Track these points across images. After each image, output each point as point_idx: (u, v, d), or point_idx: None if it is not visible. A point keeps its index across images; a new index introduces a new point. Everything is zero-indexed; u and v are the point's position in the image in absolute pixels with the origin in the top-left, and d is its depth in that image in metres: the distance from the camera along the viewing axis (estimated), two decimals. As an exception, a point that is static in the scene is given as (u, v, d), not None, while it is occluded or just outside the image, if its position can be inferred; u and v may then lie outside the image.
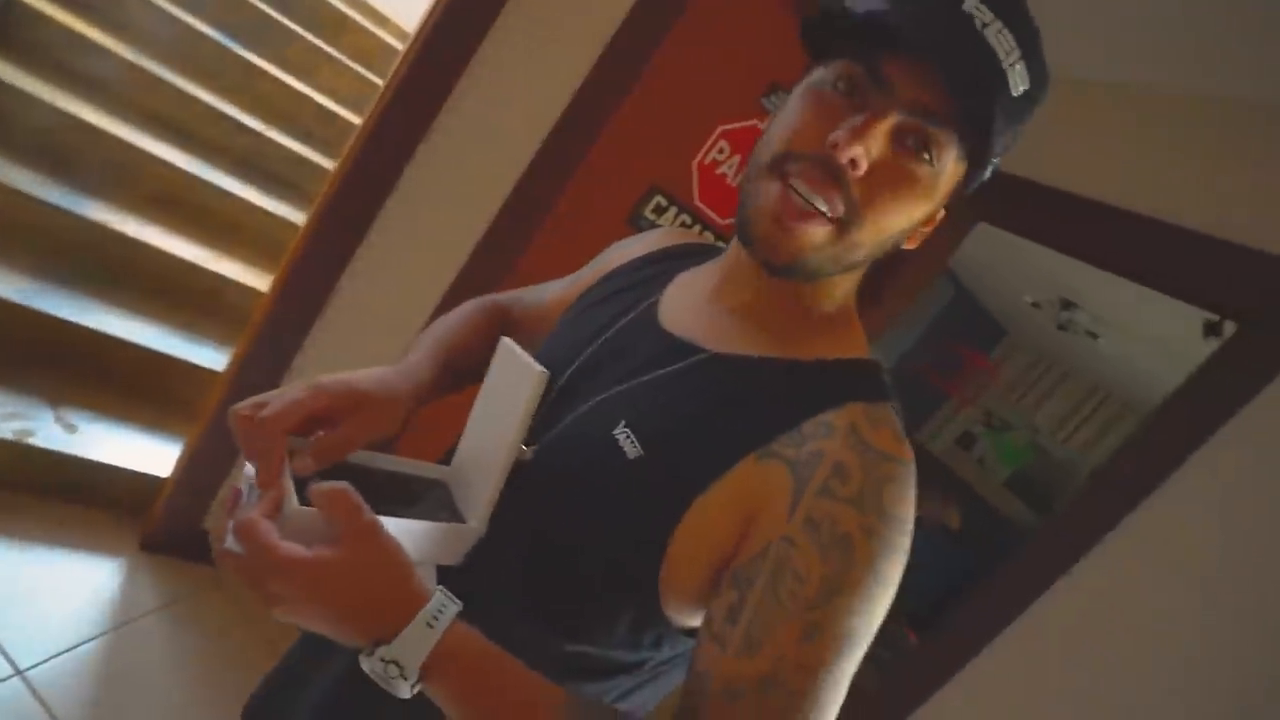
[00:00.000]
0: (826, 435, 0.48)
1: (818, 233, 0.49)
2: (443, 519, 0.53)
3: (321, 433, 0.52)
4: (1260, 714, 1.02)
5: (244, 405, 0.51)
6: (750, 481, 0.48)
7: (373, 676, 0.41)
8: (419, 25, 1.40)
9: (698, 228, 1.69)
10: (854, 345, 0.57)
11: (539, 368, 0.52)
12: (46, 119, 1.76)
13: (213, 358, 1.84)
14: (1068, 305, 3.42)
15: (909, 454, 0.50)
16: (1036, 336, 4.70)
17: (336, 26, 2.74)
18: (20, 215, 1.67)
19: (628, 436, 0.52)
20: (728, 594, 0.46)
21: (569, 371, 0.60)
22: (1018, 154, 0.56)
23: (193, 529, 1.61)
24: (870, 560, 0.45)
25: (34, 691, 1.23)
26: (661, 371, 0.56)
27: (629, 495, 0.51)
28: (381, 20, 3.04)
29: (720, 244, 0.73)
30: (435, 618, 0.42)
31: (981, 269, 4.00)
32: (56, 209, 1.69)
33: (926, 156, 0.49)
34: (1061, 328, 3.61)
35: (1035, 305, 3.82)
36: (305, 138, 2.46)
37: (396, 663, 0.41)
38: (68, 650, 1.32)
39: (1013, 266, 3.48)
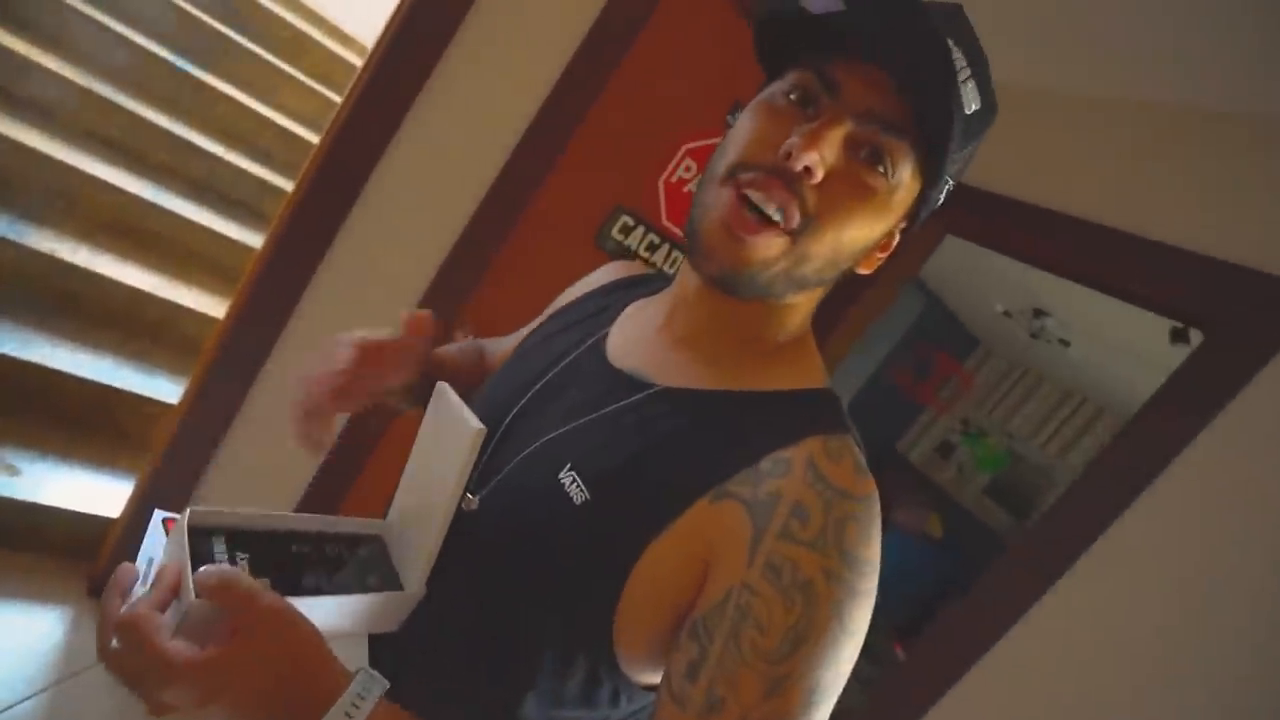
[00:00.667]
0: (784, 473, 0.46)
1: (771, 244, 0.47)
2: (373, 585, 0.48)
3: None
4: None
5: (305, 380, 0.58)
6: (706, 524, 0.45)
7: None
8: (376, 40, 1.37)
9: (666, 246, 1.67)
10: (810, 375, 0.55)
11: (476, 424, 0.49)
12: (-15, 145, 1.69)
13: (166, 389, 1.77)
14: (1039, 314, 3.46)
15: (870, 488, 0.47)
16: (1009, 345, 4.76)
17: (297, 46, 2.69)
18: (-43, 246, 1.59)
19: (574, 480, 0.49)
20: (687, 647, 0.43)
21: (512, 413, 0.57)
22: (982, 166, 0.54)
23: (144, 571, 1.53)
24: (835, 607, 0.42)
25: (-34, 757, 1.15)
26: (608, 409, 0.53)
27: (577, 544, 0.47)
28: (344, 39, 3.00)
29: (666, 274, 0.72)
30: (355, 706, 0.39)
31: (952, 279, 4.04)
32: (-1, 239, 1.62)
33: (881, 169, 0.47)
34: (1034, 335, 3.66)
35: (1007, 314, 3.87)
36: (265, 160, 2.41)
37: None
38: (10, 707, 1.24)
39: (983, 276, 3.52)
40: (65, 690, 1.33)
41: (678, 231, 1.68)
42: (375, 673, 0.41)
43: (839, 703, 0.44)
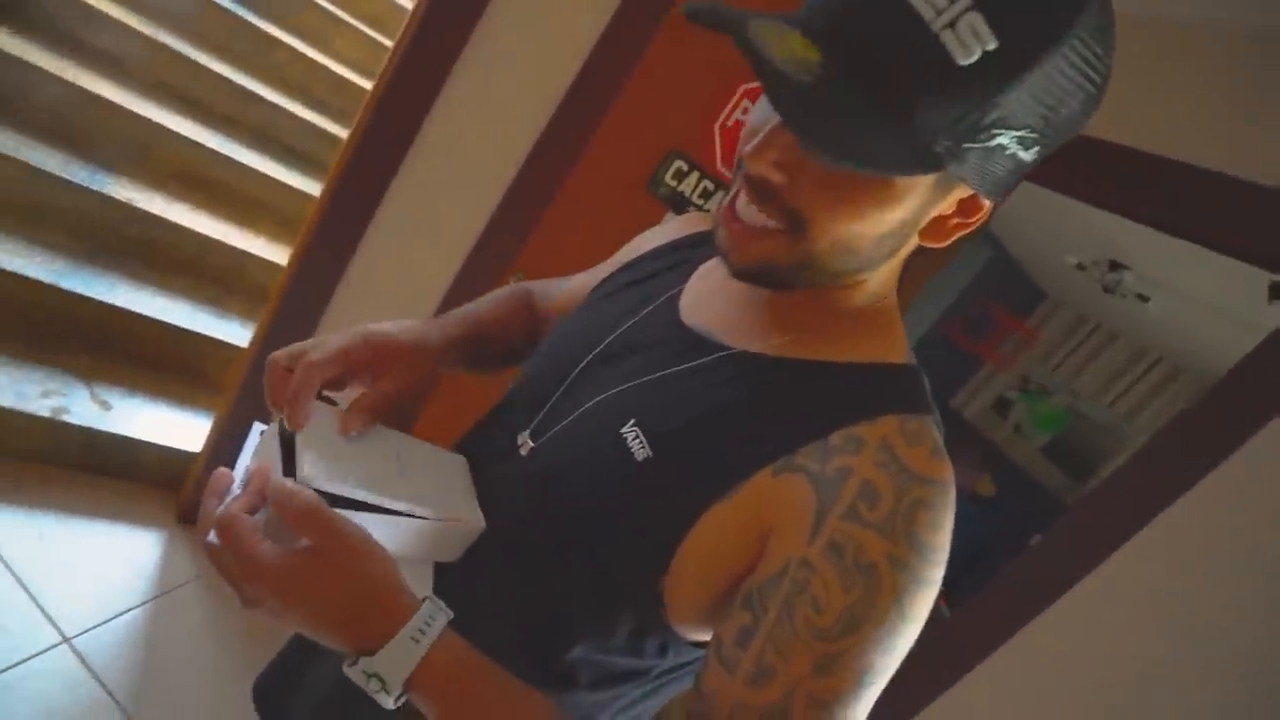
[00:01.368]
0: (856, 450, 0.44)
1: (763, 245, 0.46)
2: (444, 510, 0.50)
3: (346, 391, 0.52)
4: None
5: (282, 354, 0.51)
6: (769, 495, 0.44)
7: (357, 684, 0.40)
8: (426, -14, 1.34)
9: (720, 193, 1.63)
10: (892, 348, 0.51)
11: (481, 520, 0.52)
12: (64, 96, 1.76)
13: (238, 333, 1.86)
14: (1115, 267, 3.25)
15: (947, 474, 0.44)
16: (1079, 299, 4.51)
17: (348, -11, 2.68)
18: (46, 195, 1.68)
19: (637, 436, 0.48)
20: (740, 615, 0.43)
21: (579, 366, 0.56)
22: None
23: (225, 502, 1.65)
24: (896, 594, 0.41)
25: (81, 658, 1.28)
26: (678, 368, 0.52)
27: (634, 501, 0.47)
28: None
29: None
30: (422, 631, 0.40)
31: (1021, 229, 3.82)
32: (83, 189, 1.70)
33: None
34: (1108, 290, 3.45)
35: (1080, 267, 3.64)
36: (321, 108, 2.43)
37: (379, 676, 0.39)
38: (112, 619, 1.38)
39: (1056, 226, 3.32)
40: (161, 604, 1.47)
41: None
42: (440, 602, 0.43)
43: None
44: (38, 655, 1.25)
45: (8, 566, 1.33)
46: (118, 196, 1.76)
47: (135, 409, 1.67)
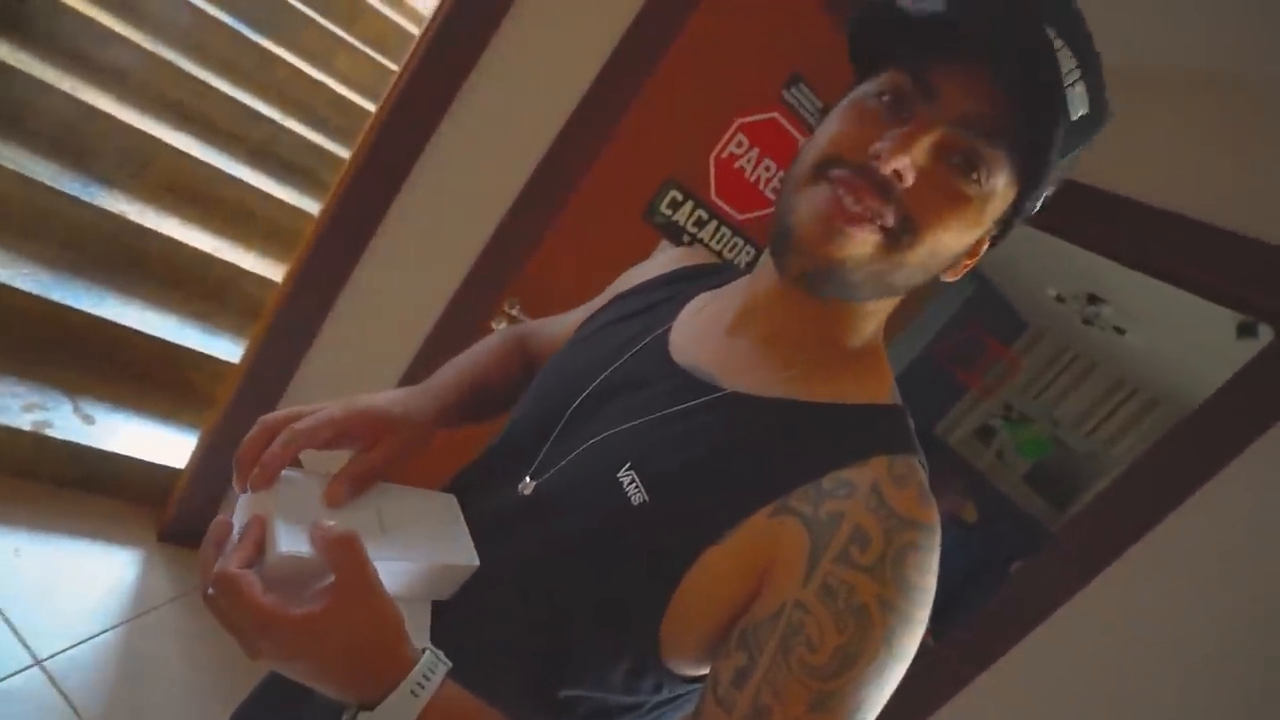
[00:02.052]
0: (847, 495, 0.45)
1: (867, 240, 0.46)
2: (440, 552, 0.51)
3: (335, 453, 0.52)
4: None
5: (276, 416, 0.50)
6: (764, 537, 0.46)
7: None
8: (433, 11, 1.37)
9: (714, 223, 1.66)
10: (879, 389, 0.53)
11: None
12: (64, 109, 1.76)
13: (228, 349, 1.85)
14: (1094, 300, 3.33)
15: (933, 517, 0.46)
16: (1060, 330, 4.61)
17: (351, 11, 2.72)
18: (38, 206, 1.67)
19: (633, 480, 0.49)
20: (736, 655, 0.44)
21: (574, 405, 0.57)
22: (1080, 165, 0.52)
23: (209, 520, 1.62)
24: (887, 633, 0.42)
25: (53, 681, 1.25)
26: (672, 409, 0.53)
27: (631, 544, 0.48)
28: (396, 3, 3.01)
29: (733, 266, 0.70)
30: (421, 685, 0.41)
31: (1005, 262, 3.91)
32: (75, 200, 1.70)
33: (975, 176, 0.45)
34: (1087, 322, 3.53)
35: (1060, 299, 3.73)
36: (320, 126, 2.45)
37: None
38: (86, 640, 1.34)
39: (1038, 260, 3.40)
40: (138, 626, 1.44)
41: (726, 207, 1.66)
42: (440, 653, 0.43)
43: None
44: (9, 677, 1.21)
45: (-18, 584, 1.30)
46: (110, 208, 1.75)
47: (119, 424, 1.64)
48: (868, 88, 0.49)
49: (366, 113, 2.48)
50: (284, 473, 0.46)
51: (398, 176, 1.39)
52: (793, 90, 1.59)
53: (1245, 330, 2.01)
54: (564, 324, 0.78)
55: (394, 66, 2.71)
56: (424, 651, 0.43)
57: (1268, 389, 1.12)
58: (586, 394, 0.58)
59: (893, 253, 0.46)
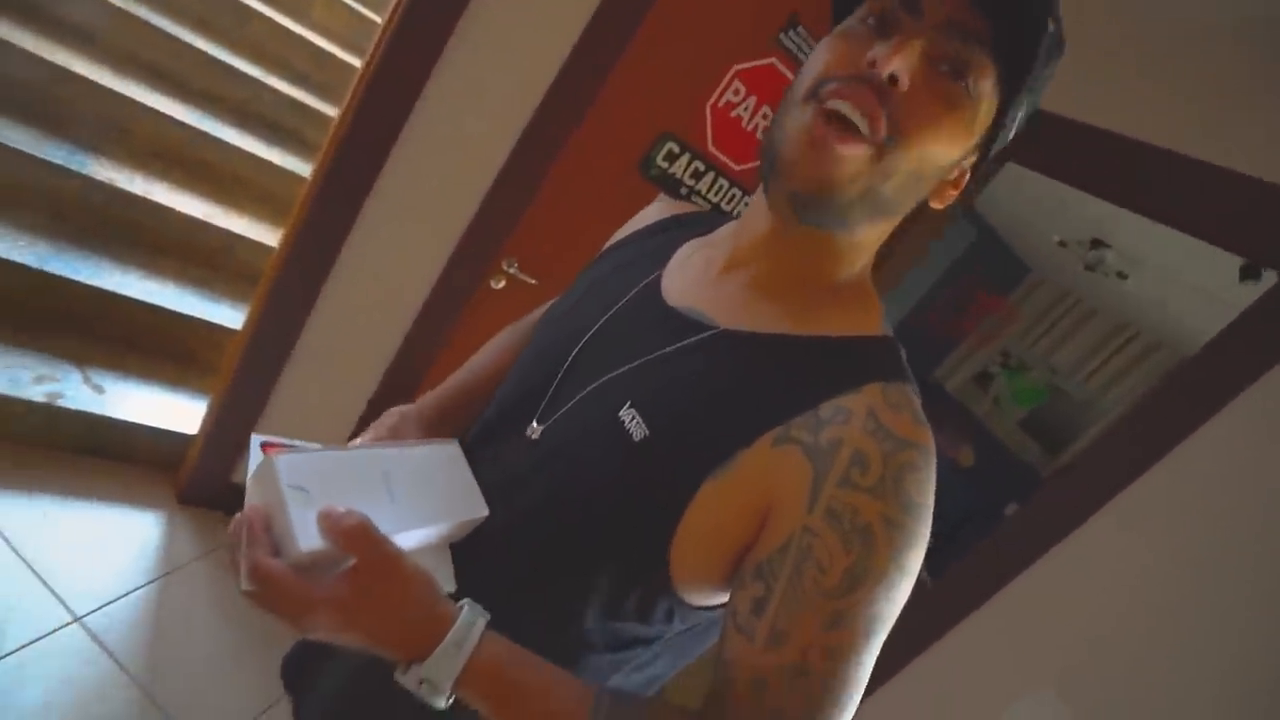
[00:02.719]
0: (844, 421, 0.47)
1: (856, 156, 0.46)
2: (450, 509, 0.53)
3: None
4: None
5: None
6: (766, 467, 0.48)
7: (410, 690, 0.43)
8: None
9: (711, 174, 1.64)
10: (870, 321, 0.55)
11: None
12: (35, 72, 1.71)
13: (227, 315, 1.85)
14: (1097, 245, 3.30)
15: (928, 438, 0.49)
16: (1061, 276, 4.58)
17: (328, -42, 2.61)
18: (25, 176, 1.65)
19: (634, 418, 0.51)
20: (753, 586, 0.46)
21: (574, 351, 0.59)
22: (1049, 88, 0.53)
23: (224, 483, 1.66)
24: (892, 550, 0.45)
25: (93, 635, 1.31)
26: (669, 349, 0.55)
27: (636, 478, 0.50)
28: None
29: (722, 212, 0.71)
30: (465, 636, 0.44)
31: (1007, 208, 3.86)
32: (62, 169, 1.67)
33: (964, 83, 0.46)
34: (1089, 267, 3.51)
35: (1062, 244, 3.70)
36: (301, 82, 2.39)
37: (429, 681, 0.43)
38: (120, 597, 1.40)
39: (1041, 205, 3.36)
40: (169, 582, 1.49)
41: (723, 158, 1.64)
42: (478, 605, 0.46)
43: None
44: (50, 634, 1.27)
45: (13, 548, 1.34)
46: (98, 177, 1.73)
47: (129, 392, 1.66)
48: (851, 19, 0.50)
49: (347, 67, 2.42)
50: (283, 457, 0.45)
51: (388, 136, 1.37)
52: (790, 34, 1.54)
53: (1248, 273, 1.99)
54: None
55: (372, 15, 2.62)
56: (463, 606, 0.45)
57: (1270, 331, 1.12)
58: (585, 342, 0.59)
59: (882, 159, 0.47)
